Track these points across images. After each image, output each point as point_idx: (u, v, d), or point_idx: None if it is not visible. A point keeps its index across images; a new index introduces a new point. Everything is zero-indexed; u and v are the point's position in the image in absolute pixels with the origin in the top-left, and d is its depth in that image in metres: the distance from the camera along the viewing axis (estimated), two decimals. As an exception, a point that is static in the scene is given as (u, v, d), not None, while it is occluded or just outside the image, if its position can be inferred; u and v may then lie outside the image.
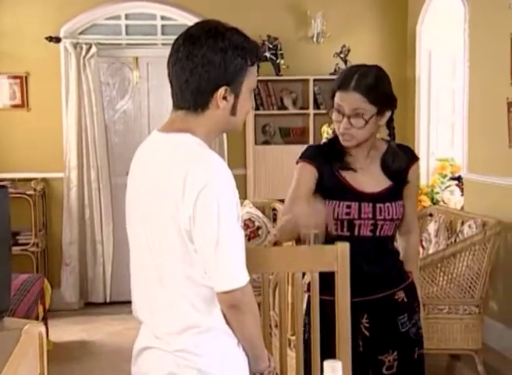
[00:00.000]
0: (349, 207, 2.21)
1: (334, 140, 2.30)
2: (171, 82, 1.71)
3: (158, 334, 1.68)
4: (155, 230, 1.65)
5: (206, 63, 1.63)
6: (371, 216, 2.22)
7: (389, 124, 2.29)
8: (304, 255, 2.04)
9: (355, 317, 2.10)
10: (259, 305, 1.78)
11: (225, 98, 1.66)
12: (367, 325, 2.24)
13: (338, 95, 2.20)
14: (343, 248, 2.00)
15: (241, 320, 1.67)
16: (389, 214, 2.23)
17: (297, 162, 2.30)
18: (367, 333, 2.24)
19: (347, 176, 2.25)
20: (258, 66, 1.78)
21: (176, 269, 1.63)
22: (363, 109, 2.16)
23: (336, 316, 1.99)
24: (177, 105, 1.71)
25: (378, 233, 2.23)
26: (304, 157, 2.28)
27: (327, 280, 2.02)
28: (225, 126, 1.73)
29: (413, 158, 2.33)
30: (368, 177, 2.26)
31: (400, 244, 2.40)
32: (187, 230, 1.59)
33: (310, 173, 2.25)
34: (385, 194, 2.25)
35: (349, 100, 2.17)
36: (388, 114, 2.23)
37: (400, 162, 2.27)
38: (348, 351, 1.97)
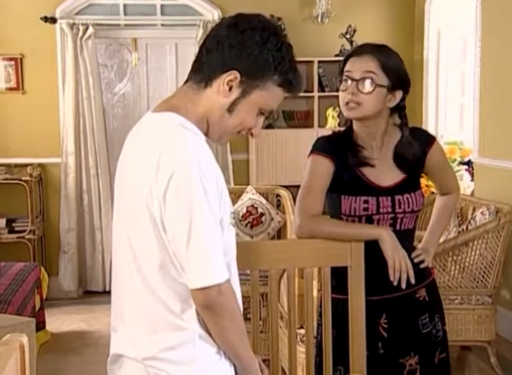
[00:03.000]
0: (366, 202, 2.06)
1: (347, 131, 2.15)
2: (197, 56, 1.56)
3: (128, 338, 1.54)
4: (131, 217, 1.50)
5: (239, 42, 1.49)
6: (390, 209, 2.07)
7: (401, 113, 2.14)
8: (315, 248, 1.89)
9: (373, 317, 1.94)
10: (266, 296, 1.62)
11: (230, 87, 1.51)
12: (385, 326, 2.08)
13: (349, 62, 2.07)
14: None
15: (218, 324, 1.48)
16: (409, 206, 2.08)
17: (309, 155, 2.12)
18: (385, 335, 2.07)
19: (364, 169, 2.10)
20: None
21: (152, 258, 1.47)
22: (374, 74, 2.02)
23: (350, 315, 1.84)
24: (188, 76, 1.57)
25: (398, 227, 2.08)
26: (319, 150, 2.11)
27: (340, 277, 1.88)
28: (217, 121, 1.54)
29: (429, 141, 2.17)
30: (385, 169, 2.10)
31: (436, 202, 2.29)
32: (160, 219, 1.44)
33: (326, 168, 2.08)
34: (403, 185, 2.10)
35: (361, 63, 2.04)
36: (399, 96, 2.09)
37: (414, 150, 2.10)
38: (363, 353, 1.83)
